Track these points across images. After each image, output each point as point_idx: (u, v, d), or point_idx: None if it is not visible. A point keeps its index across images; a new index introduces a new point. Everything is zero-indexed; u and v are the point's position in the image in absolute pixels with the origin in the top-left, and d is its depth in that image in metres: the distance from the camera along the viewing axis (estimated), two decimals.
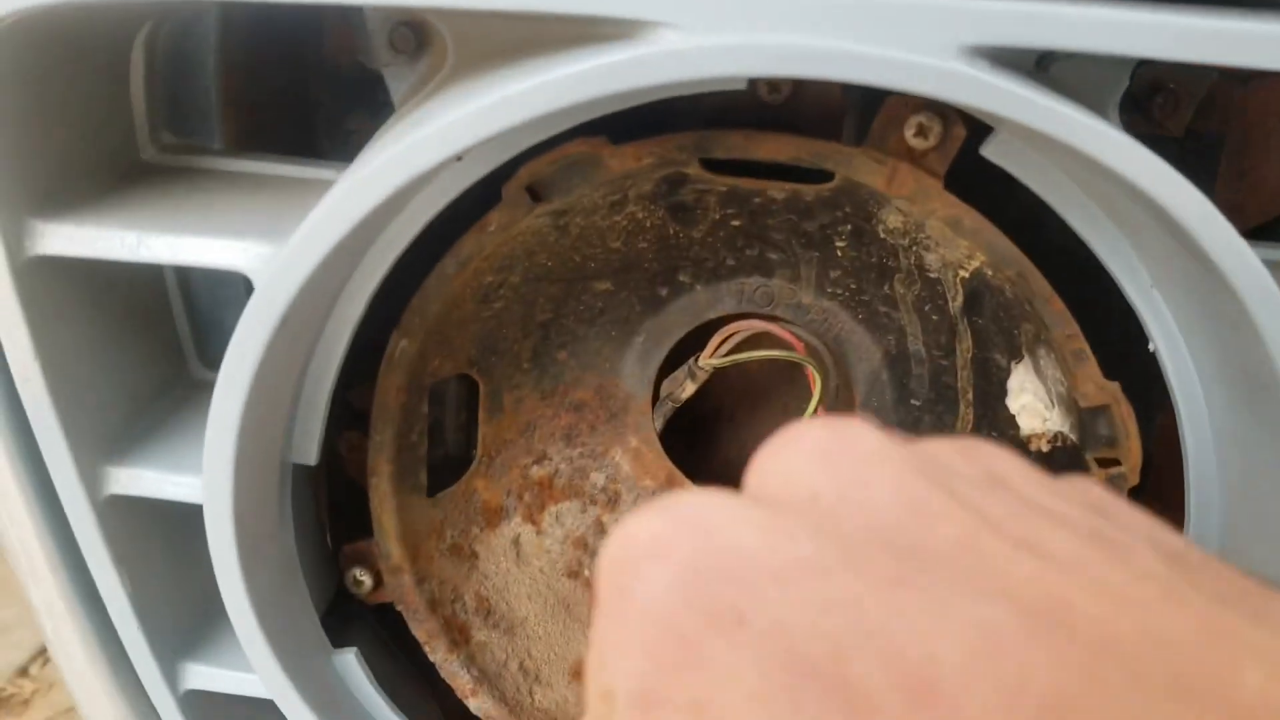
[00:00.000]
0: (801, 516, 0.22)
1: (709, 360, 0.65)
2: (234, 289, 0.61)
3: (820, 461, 0.25)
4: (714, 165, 0.56)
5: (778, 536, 0.22)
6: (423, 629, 0.62)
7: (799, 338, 0.63)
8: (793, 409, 0.73)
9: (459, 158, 0.48)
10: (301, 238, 0.43)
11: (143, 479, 0.53)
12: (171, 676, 0.59)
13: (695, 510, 0.23)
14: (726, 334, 0.64)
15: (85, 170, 0.51)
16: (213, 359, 0.62)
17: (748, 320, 0.64)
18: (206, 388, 0.60)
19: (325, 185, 0.53)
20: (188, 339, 0.60)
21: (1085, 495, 0.24)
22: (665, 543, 0.22)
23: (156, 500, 0.54)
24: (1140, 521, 0.23)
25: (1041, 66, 0.43)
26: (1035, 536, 0.22)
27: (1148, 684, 0.19)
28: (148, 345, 0.58)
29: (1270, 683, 0.19)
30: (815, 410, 0.64)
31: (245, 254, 0.46)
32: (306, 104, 0.65)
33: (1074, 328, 0.52)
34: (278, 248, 0.46)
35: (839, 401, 0.68)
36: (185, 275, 0.60)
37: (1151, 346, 0.52)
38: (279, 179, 0.55)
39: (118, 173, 0.53)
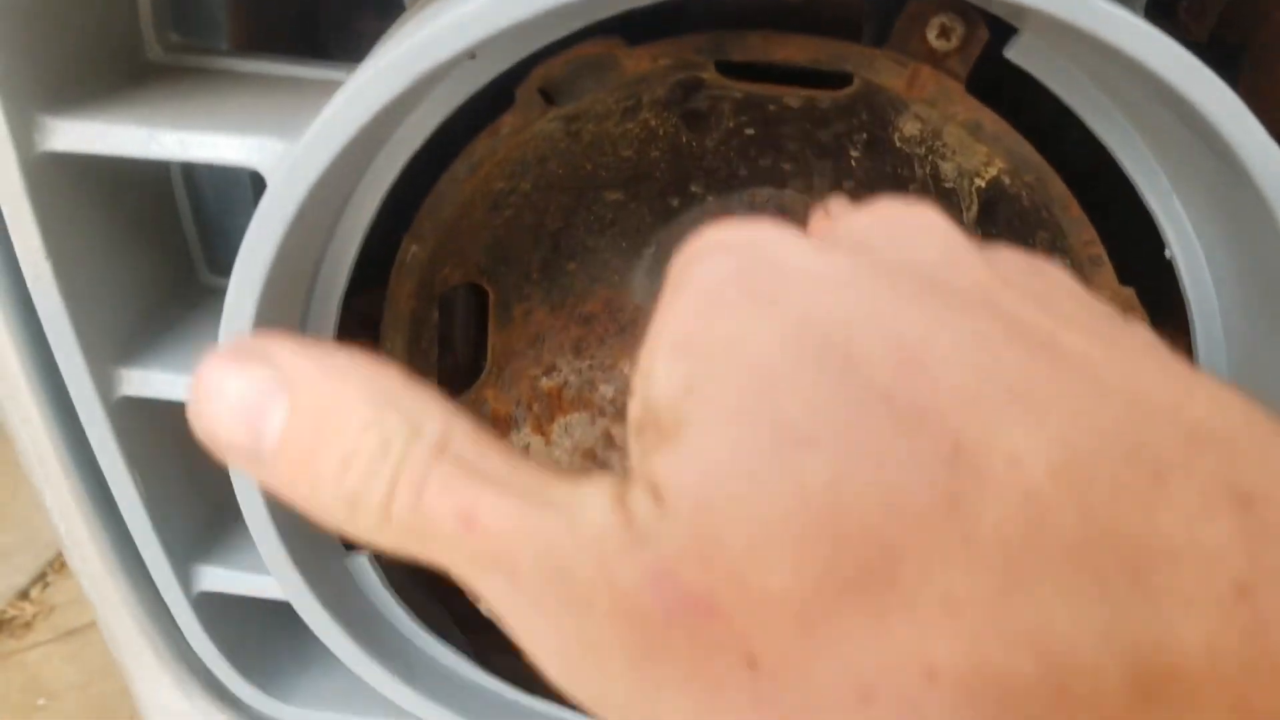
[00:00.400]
0: (851, 250, 0.26)
1: None
2: (241, 194, 0.61)
3: (875, 218, 0.28)
4: (730, 71, 0.55)
5: (825, 256, 0.25)
6: None
7: None
8: None
9: (472, 55, 0.47)
10: (316, 132, 0.42)
11: (155, 380, 0.53)
12: (185, 579, 0.59)
13: (762, 229, 0.26)
14: None
15: (92, 69, 0.51)
16: (221, 266, 0.62)
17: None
18: (215, 294, 0.60)
19: (335, 86, 0.53)
20: (195, 244, 0.60)
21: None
22: (729, 242, 0.26)
23: (169, 402, 0.53)
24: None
25: None
26: (1047, 307, 0.25)
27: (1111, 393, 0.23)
28: (156, 249, 0.57)
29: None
30: None
31: (259, 150, 0.46)
32: (313, 5, 0.64)
33: (1092, 233, 0.52)
34: (291, 144, 0.45)
35: None
36: (192, 180, 0.60)
37: (1168, 253, 0.52)
38: (287, 79, 0.54)
39: (124, 72, 0.52)
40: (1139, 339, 0.25)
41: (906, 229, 0.27)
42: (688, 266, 0.26)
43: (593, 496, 0.24)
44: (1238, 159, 0.42)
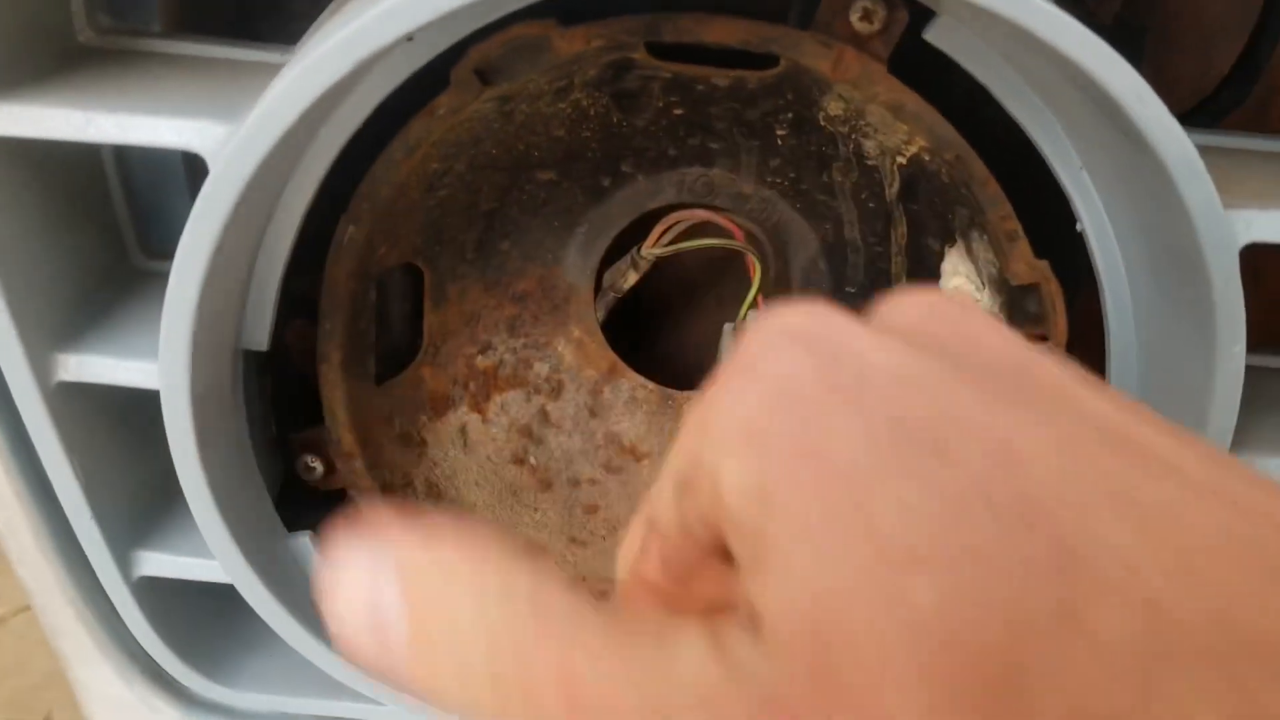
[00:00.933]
0: (927, 348, 0.25)
1: (651, 249, 0.66)
2: (174, 176, 0.61)
3: (931, 310, 0.27)
4: (660, 52, 0.56)
5: (906, 354, 0.24)
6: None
7: (739, 226, 0.65)
8: (728, 298, 0.75)
9: (410, 38, 0.48)
10: (259, 117, 0.43)
11: (93, 365, 0.53)
12: (124, 563, 0.59)
13: (833, 319, 0.25)
14: (669, 223, 0.65)
15: (23, 53, 0.50)
16: (153, 248, 0.61)
17: (689, 210, 0.65)
18: (148, 276, 0.60)
19: (270, 68, 0.53)
20: (128, 227, 0.60)
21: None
22: (800, 332, 0.25)
23: (107, 387, 0.54)
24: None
25: None
26: (1122, 406, 0.25)
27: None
28: (89, 233, 0.57)
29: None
30: (754, 298, 0.65)
31: (199, 133, 0.46)
32: None
33: (1008, 209, 0.54)
34: (232, 127, 0.46)
35: (776, 289, 0.70)
36: (124, 162, 0.59)
37: (1079, 227, 0.54)
38: (222, 61, 0.54)
39: (56, 56, 0.52)
40: (1203, 439, 0.25)
41: (971, 326, 0.27)
42: (757, 355, 0.25)
43: (687, 640, 0.23)
44: (1141, 135, 0.44)
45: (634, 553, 0.29)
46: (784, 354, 0.24)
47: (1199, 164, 0.44)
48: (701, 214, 0.64)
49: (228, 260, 0.48)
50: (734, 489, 0.23)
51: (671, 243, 0.66)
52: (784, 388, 0.23)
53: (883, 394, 0.23)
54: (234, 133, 0.45)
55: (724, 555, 0.25)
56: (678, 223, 0.65)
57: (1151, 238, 0.51)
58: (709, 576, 0.27)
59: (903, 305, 0.28)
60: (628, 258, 0.68)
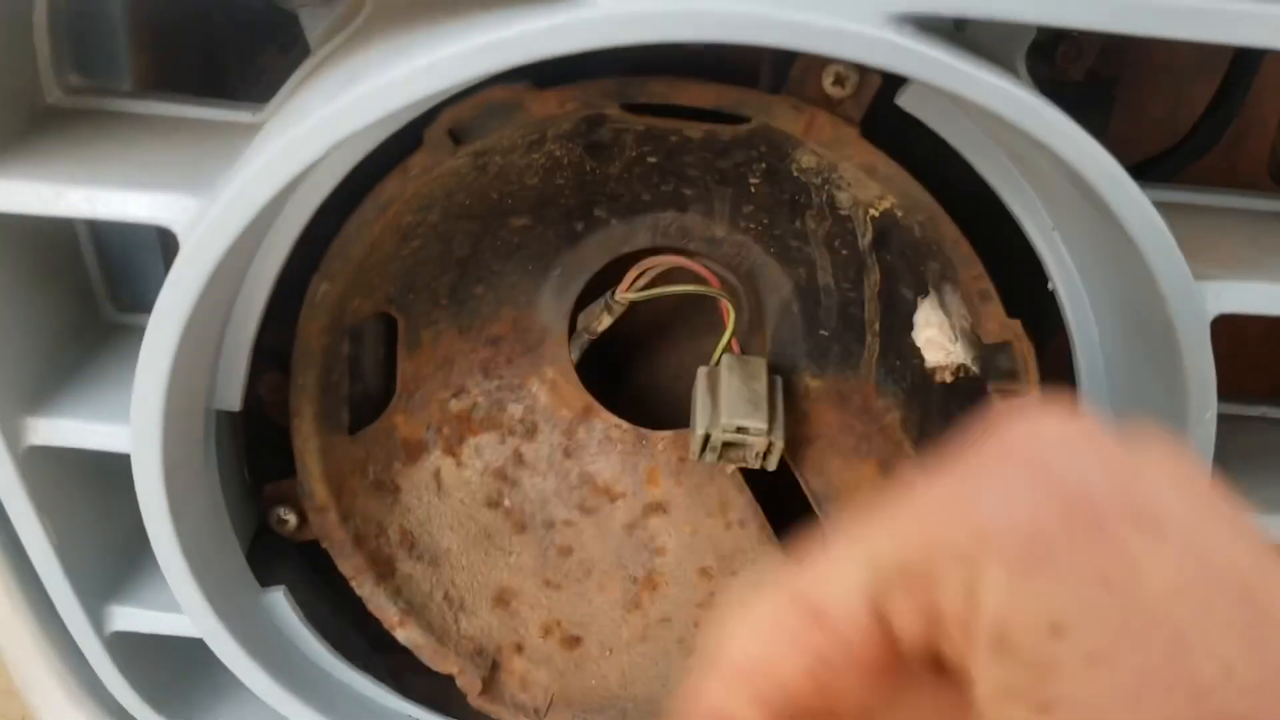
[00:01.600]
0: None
1: (625, 294, 0.66)
2: (145, 230, 0.60)
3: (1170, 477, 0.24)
4: (633, 106, 0.56)
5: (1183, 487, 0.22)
6: (349, 564, 0.63)
7: (713, 271, 0.65)
8: (702, 339, 0.75)
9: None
10: (231, 197, 0.43)
11: (64, 429, 0.53)
12: (97, 619, 0.59)
13: (1105, 438, 0.23)
14: (642, 268, 0.65)
15: None
16: (125, 301, 0.61)
17: (663, 255, 0.65)
18: (119, 331, 0.60)
19: (241, 128, 0.53)
20: (99, 282, 0.59)
21: None
22: (1086, 438, 0.23)
23: (79, 450, 0.53)
24: None
25: (959, 27, 0.44)
26: None
27: None
28: (60, 290, 0.57)
29: None
30: (728, 343, 0.66)
31: (170, 208, 0.45)
32: (215, 41, 0.64)
33: (980, 269, 0.54)
34: (202, 200, 0.46)
35: (751, 332, 0.70)
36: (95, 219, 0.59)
37: (1051, 286, 0.55)
38: (193, 121, 0.54)
39: (24, 118, 0.51)
40: None
41: (1197, 486, 0.24)
42: (1039, 451, 0.23)
43: None
44: (1110, 210, 0.45)
45: (763, 645, 0.25)
46: (1075, 460, 0.22)
47: (1169, 239, 0.45)
48: (674, 259, 0.65)
49: (199, 328, 0.48)
50: (1010, 606, 0.21)
51: (646, 287, 0.66)
52: (1080, 497, 0.21)
53: (1184, 528, 0.21)
54: (205, 207, 0.45)
55: (935, 667, 0.23)
56: (651, 268, 0.65)
57: (1122, 300, 0.52)
58: (907, 687, 0.24)
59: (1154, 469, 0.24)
60: (602, 301, 0.68)
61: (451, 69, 0.39)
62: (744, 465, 0.63)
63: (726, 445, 0.61)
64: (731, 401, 0.62)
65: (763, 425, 0.61)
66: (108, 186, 0.46)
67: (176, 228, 0.46)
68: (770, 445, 0.61)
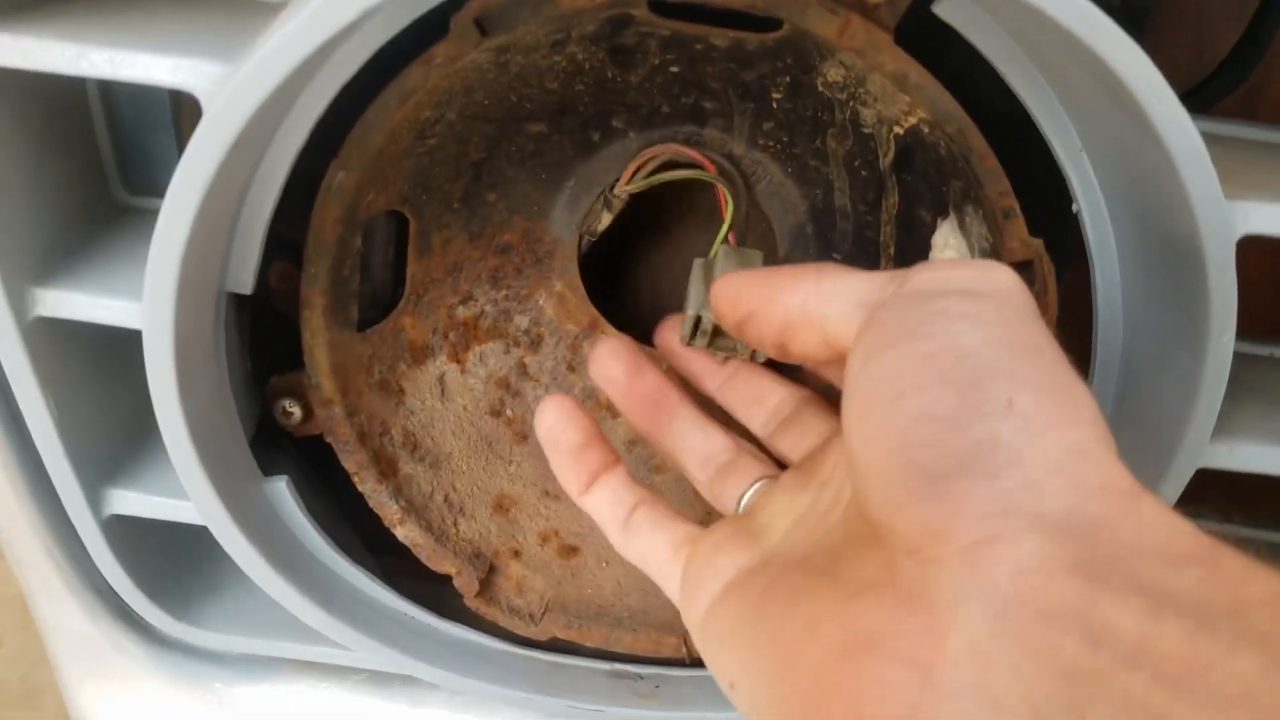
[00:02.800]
0: None
1: (624, 187, 0.65)
2: (159, 112, 0.59)
3: None
4: (660, 9, 0.55)
5: None
6: (353, 460, 0.62)
7: (712, 161, 0.63)
8: (703, 236, 0.74)
9: None
10: (259, 61, 0.42)
11: (72, 301, 0.52)
12: (95, 501, 0.58)
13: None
14: (641, 160, 0.64)
15: None
16: (136, 183, 0.60)
17: (661, 145, 0.64)
18: (130, 213, 0.59)
19: (269, 7, 0.52)
20: (110, 162, 0.58)
21: None
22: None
23: (86, 324, 0.53)
24: None
25: None
26: None
27: None
28: (71, 167, 0.56)
29: None
30: (727, 234, 0.63)
31: (195, 73, 0.45)
32: None
33: (1006, 185, 0.54)
34: (229, 67, 0.45)
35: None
36: (109, 96, 0.58)
37: (1075, 208, 0.54)
38: None
39: None
40: None
41: None
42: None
43: None
44: (1149, 122, 0.44)
45: None
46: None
47: (1204, 154, 0.45)
48: (673, 148, 0.63)
49: (216, 202, 0.47)
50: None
51: (645, 179, 0.65)
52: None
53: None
54: (230, 74, 0.44)
55: None
56: (650, 159, 0.64)
57: (1146, 222, 0.52)
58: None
59: None
60: (600, 197, 0.67)
61: None
62: (730, 353, 0.58)
63: (718, 330, 0.57)
64: (728, 255, 0.59)
65: None
66: (131, 49, 0.45)
67: (201, 93, 0.45)
68: None
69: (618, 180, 0.65)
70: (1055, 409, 0.34)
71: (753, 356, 0.58)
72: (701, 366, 0.59)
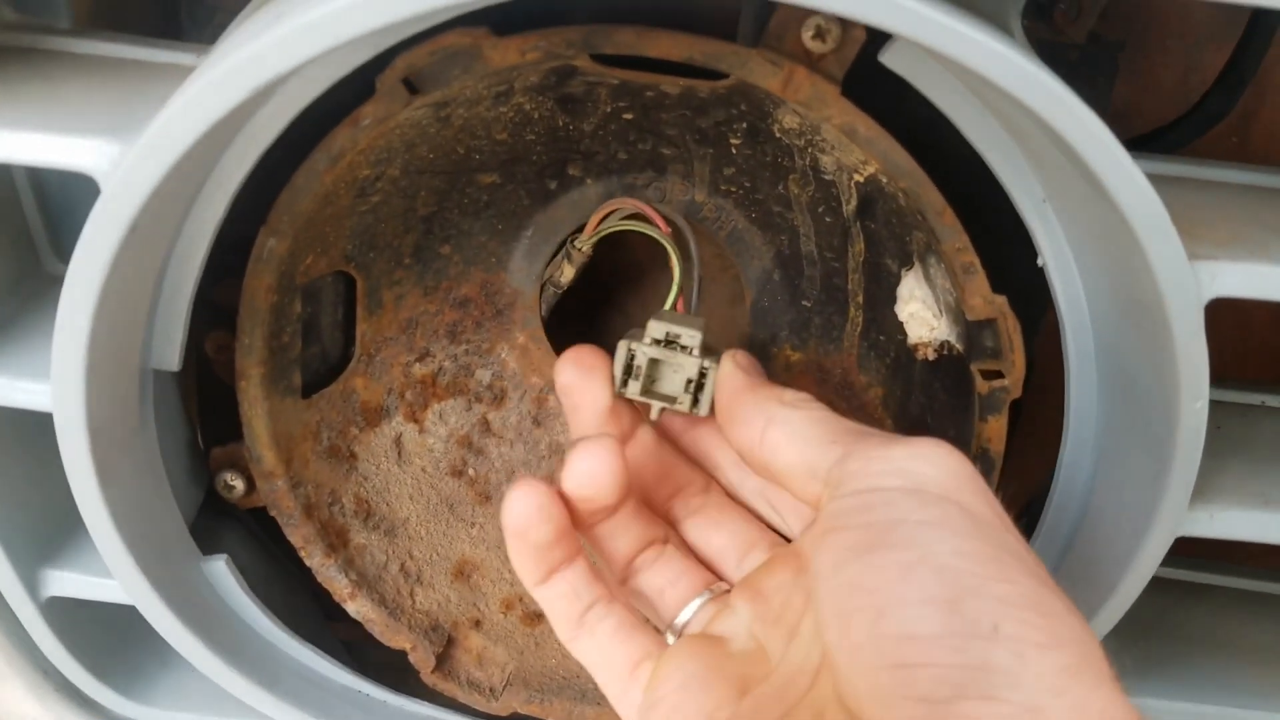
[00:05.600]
0: None
1: (585, 239, 0.62)
2: (89, 180, 0.57)
3: None
4: (605, 58, 0.53)
5: None
6: (298, 534, 0.60)
7: (670, 222, 0.60)
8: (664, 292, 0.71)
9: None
10: (149, 139, 0.40)
11: None
12: (31, 584, 0.56)
13: None
14: (603, 213, 0.61)
15: None
16: (67, 252, 0.58)
17: (622, 199, 0.61)
18: (59, 283, 0.56)
19: (184, 71, 0.50)
20: (39, 231, 0.56)
21: None
22: None
23: (11, 409, 0.51)
24: None
25: None
26: None
27: None
28: None
29: None
30: (676, 298, 0.59)
31: (92, 153, 0.42)
32: None
33: (964, 241, 0.51)
34: (126, 146, 0.43)
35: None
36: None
37: (1040, 261, 0.51)
38: (134, 63, 0.51)
39: None
40: None
41: None
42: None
43: None
44: (1100, 183, 0.41)
45: None
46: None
47: (1163, 215, 0.41)
48: (631, 203, 0.60)
49: (126, 281, 0.45)
50: None
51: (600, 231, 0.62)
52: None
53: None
54: (126, 154, 0.41)
55: None
56: (612, 211, 0.61)
57: (1114, 280, 0.48)
58: None
59: None
60: (563, 251, 0.64)
61: (381, 6, 0.36)
62: (673, 406, 0.52)
63: (653, 367, 0.52)
64: (659, 318, 0.54)
65: (696, 333, 0.52)
66: (27, 129, 0.43)
67: (98, 174, 0.43)
68: (703, 373, 0.52)
69: (578, 233, 0.63)
70: (1040, 631, 0.35)
71: (693, 409, 0.52)
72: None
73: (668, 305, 0.57)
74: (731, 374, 0.50)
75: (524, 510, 0.45)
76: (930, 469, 0.40)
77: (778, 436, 0.45)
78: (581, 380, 0.51)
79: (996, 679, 0.34)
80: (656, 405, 0.52)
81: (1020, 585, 0.36)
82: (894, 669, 0.35)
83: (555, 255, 0.66)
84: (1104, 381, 0.51)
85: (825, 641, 0.39)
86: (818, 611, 0.40)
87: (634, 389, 0.52)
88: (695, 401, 0.52)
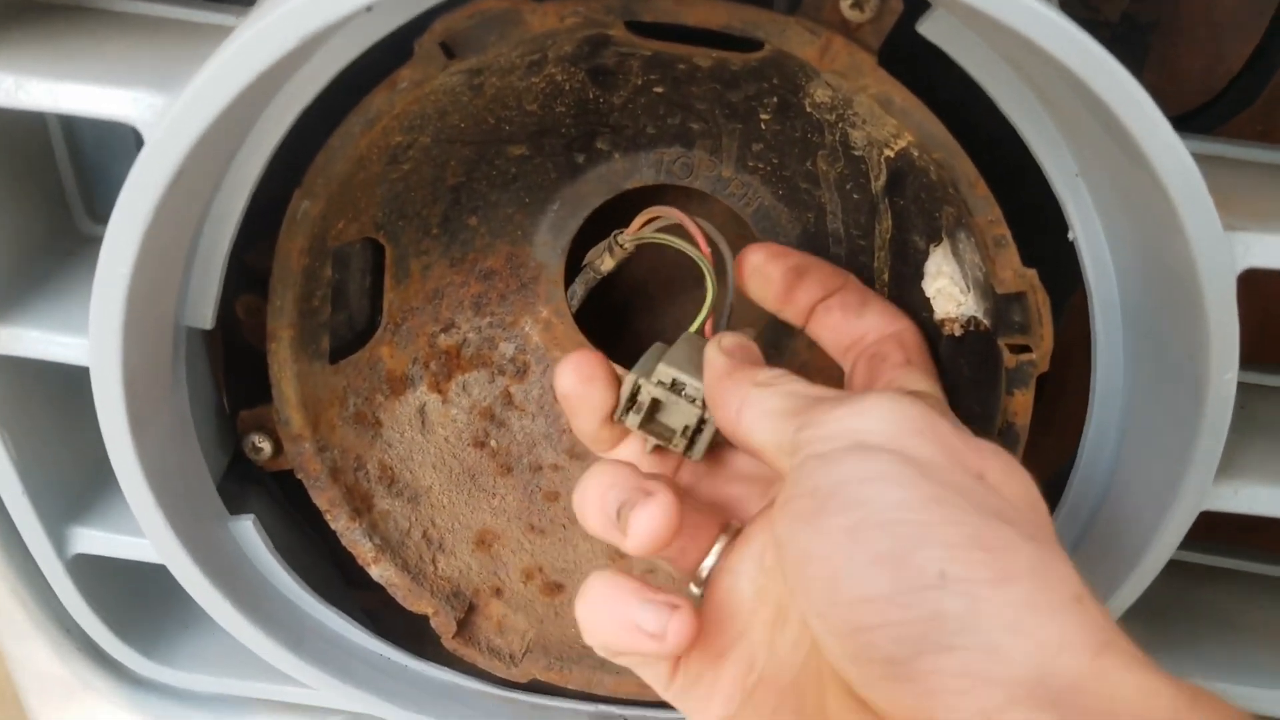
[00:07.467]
0: None
1: (629, 236, 0.62)
2: (123, 138, 0.58)
3: None
4: (640, 28, 0.53)
5: None
6: (324, 497, 0.60)
7: (711, 242, 0.59)
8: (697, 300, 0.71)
9: (369, 8, 0.45)
10: (197, 89, 0.40)
11: (25, 339, 0.50)
12: (59, 541, 0.57)
13: None
14: (649, 216, 0.62)
15: None
16: (100, 213, 0.59)
17: (670, 209, 0.61)
18: (93, 242, 0.57)
19: (225, 31, 0.50)
20: (73, 191, 0.57)
21: None
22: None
23: (41, 361, 0.51)
24: None
25: None
26: None
27: None
28: (31, 196, 0.54)
29: None
30: (705, 319, 0.59)
31: (135, 104, 0.43)
32: None
33: (997, 213, 0.51)
34: (171, 98, 0.43)
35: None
36: (70, 122, 0.56)
37: (1071, 235, 0.52)
38: (173, 22, 0.51)
39: None
40: None
41: None
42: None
43: None
44: (1139, 149, 0.42)
45: None
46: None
47: (1200, 183, 0.42)
48: (679, 215, 0.60)
49: (166, 235, 0.45)
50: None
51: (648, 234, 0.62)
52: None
53: None
54: (171, 105, 0.42)
55: None
56: (657, 218, 0.61)
57: (1146, 252, 0.49)
58: None
59: None
60: (608, 241, 0.65)
61: None
62: (665, 444, 0.53)
63: (654, 406, 0.53)
64: (674, 358, 0.55)
65: (700, 385, 0.52)
66: (72, 80, 0.43)
67: (141, 125, 0.43)
68: (703, 421, 0.53)
69: (625, 228, 0.62)
70: (988, 568, 0.34)
71: (686, 452, 0.53)
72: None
73: (695, 326, 0.57)
74: (714, 359, 0.51)
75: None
76: (872, 423, 0.40)
77: (751, 417, 0.46)
78: (580, 388, 0.53)
79: (951, 626, 0.33)
80: (651, 440, 0.54)
81: (966, 525, 0.36)
82: (855, 634, 0.35)
83: (580, 235, 0.66)
84: (1131, 354, 0.52)
85: (800, 613, 0.39)
86: (787, 584, 0.40)
87: (633, 421, 0.53)
88: (690, 445, 0.53)
